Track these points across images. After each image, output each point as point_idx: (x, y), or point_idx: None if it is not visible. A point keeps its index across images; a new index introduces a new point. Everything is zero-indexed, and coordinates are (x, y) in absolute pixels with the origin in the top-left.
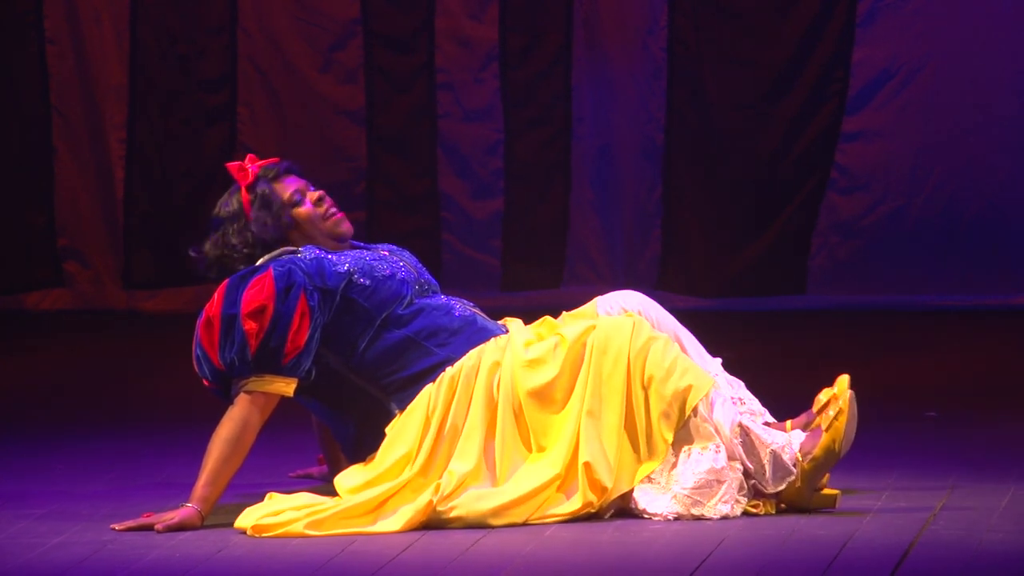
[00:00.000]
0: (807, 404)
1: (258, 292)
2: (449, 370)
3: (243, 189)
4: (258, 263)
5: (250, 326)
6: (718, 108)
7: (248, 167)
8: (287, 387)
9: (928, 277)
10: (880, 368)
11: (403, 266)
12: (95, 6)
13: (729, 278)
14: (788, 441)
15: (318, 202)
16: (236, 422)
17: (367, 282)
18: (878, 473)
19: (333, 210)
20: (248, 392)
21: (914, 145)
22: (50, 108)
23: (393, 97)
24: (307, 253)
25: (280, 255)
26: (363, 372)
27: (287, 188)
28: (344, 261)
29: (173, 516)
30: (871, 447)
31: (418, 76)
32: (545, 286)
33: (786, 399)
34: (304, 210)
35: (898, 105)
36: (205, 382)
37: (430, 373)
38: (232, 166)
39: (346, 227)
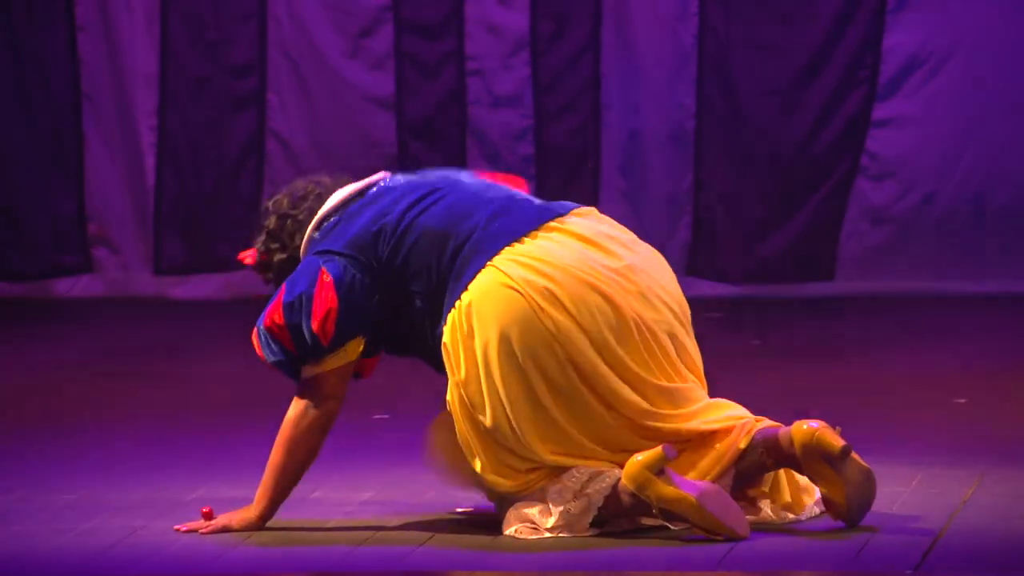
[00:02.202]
0: (829, 393)
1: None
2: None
3: None
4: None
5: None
6: (748, 95)
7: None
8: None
9: (958, 264)
10: (909, 355)
11: None
12: None
13: (758, 265)
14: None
15: None
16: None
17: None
18: (907, 460)
19: None
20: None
21: (944, 132)
22: (80, 95)
23: (422, 84)
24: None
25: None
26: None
27: None
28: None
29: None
30: (900, 434)
31: (447, 63)
32: None
33: (808, 388)
34: None
35: (929, 92)
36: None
37: None
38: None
39: None
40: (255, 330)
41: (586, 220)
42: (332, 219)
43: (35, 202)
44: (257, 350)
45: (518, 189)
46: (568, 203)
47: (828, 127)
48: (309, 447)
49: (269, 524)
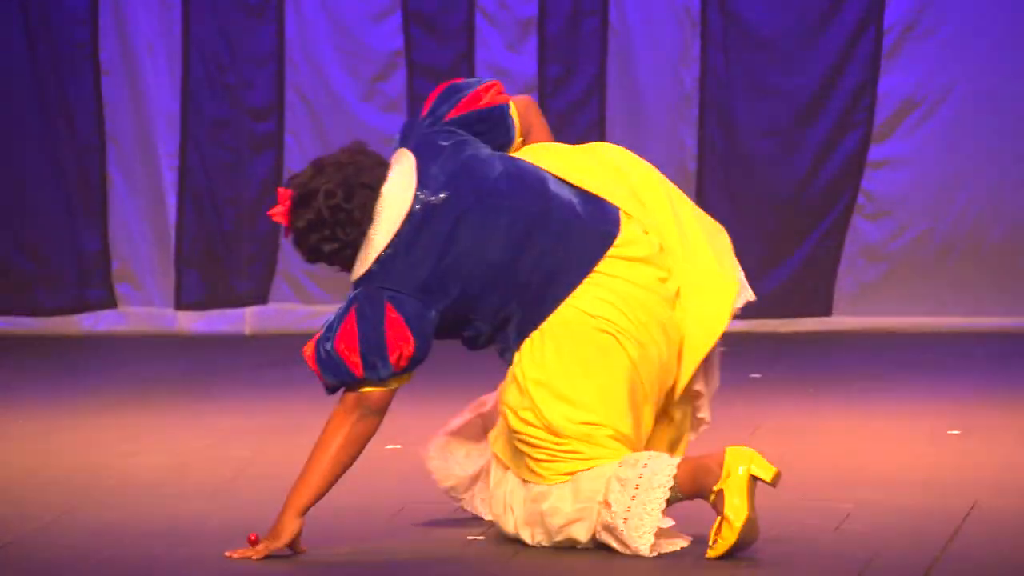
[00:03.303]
0: (826, 423)
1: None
2: None
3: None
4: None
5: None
6: (748, 135)
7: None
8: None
9: (953, 300)
10: (905, 387)
11: None
12: (148, 38)
13: (757, 300)
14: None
15: None
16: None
17: None
18: (902, 487)
19: None
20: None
21: (938, 172)
22: (105, 136)
23: None
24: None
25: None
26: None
27: None
28: None
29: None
30: (896, 462)
31: None
32: None
33: (805, 419)
34: None
35: (923, 134)
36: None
37: None
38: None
39: None
40: (313, 348)
41: (637, 233)
42: (388, 251)
43: (60, 240)
44: (312, 365)
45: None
46: (609, 209)
47: (826, 167)
48: (352, 457)
49: (309, 556)
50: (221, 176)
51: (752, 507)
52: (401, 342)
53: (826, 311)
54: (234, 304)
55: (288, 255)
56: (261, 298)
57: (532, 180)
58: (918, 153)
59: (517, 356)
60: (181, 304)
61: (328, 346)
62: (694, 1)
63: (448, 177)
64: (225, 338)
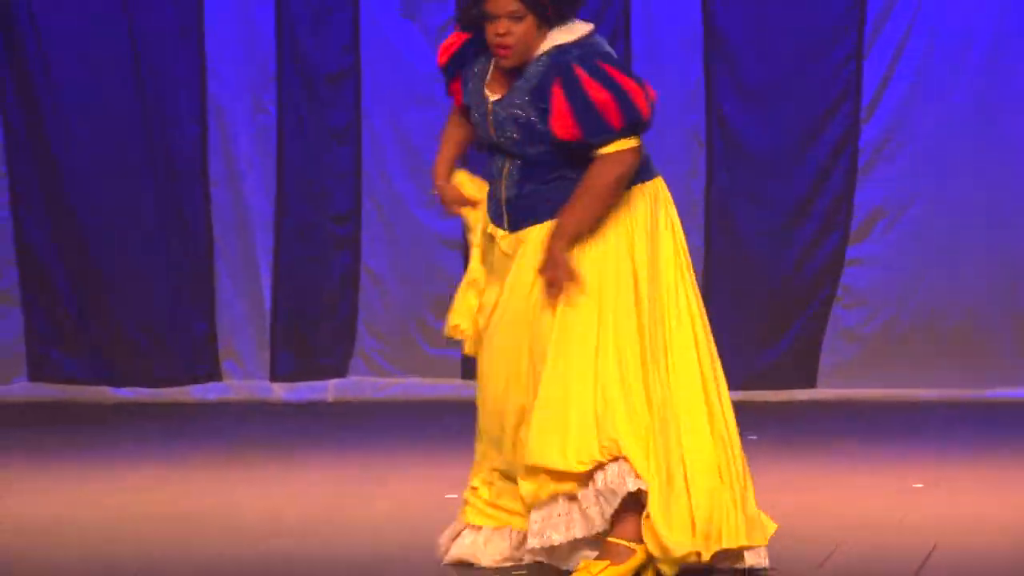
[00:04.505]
0: (811, 475)
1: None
2: None
3: None
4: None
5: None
6: (747, 236)
7: None
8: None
9: (915, 375)
10: (876, 448)
11: None
12: (249, 156)
13: (749, 374)
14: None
15: (492, 35)
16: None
17: None
18: (876, 532)
19: (500, 41)
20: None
21: (904, 269)
22: (212, 235)
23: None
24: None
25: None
26: None
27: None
28: (469, 93)
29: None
30: (868, 512)
31: None
32: None
33: (792, 475)
34: (487, 28)
35: (891, 237)
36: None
37: None
38: None
39: (503, 62)
40: (607, 96)
41: None
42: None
43: (175, 322)
44: (612, 111)
45: None
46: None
47: (811, 263)
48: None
49: None
50: (308, 270)
51: None
52: (636, 83)
53: (811, 384)
54: (319, 376)
55: (363, 335)
56: (341, 371)
57: None
58: (887, 253)
59: None
60: (275, 376)
61: (623, 89)
62: (701, 126)
63: None
64: (311, 405)
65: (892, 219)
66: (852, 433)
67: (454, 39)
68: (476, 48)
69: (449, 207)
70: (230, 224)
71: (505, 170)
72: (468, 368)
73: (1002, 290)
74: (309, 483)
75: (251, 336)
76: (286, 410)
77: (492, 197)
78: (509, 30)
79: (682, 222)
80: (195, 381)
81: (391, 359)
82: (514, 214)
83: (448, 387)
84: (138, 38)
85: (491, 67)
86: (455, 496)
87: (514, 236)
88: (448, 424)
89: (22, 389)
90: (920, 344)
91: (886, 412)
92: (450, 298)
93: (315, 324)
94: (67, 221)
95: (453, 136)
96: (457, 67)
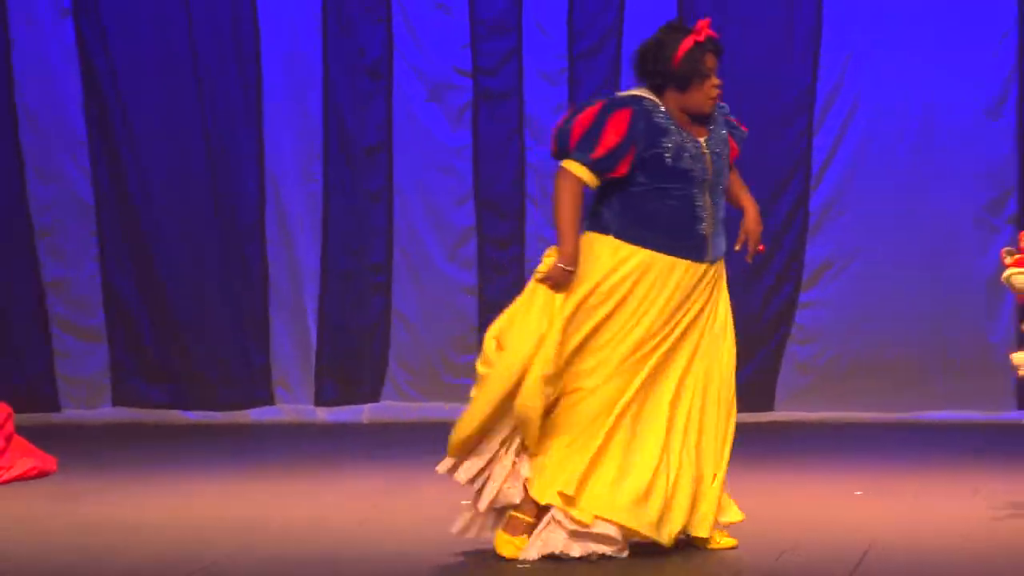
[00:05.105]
0: (767, 490)
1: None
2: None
3: (688, 39)
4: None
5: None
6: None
7: (704, 30)
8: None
9: (859, 401)
10: (825, 462)
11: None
12: (301, 216)
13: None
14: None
15: (712, 88)
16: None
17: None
18: (823, 532)
19: (718, 94)
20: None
21: (849, 311)
22: (268, 285)
23: (496, 277)
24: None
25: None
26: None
27: (708, 60)
28: (670, 142)
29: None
30: (817, 516)
31: (513, 263)
32: None
33: (752, 483)
34: (708, 83)
35: (837, 284)
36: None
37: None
38: (701, 23)
39: (711, 107)
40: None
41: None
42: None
43: (236, 356)
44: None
45: None
46: None
47: (770, 306)
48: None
49: None
50: (348, 312)
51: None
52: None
53: (770, 407)
54: (356, 401)
55: (393, 367)
56: (375, 397)
57: None
58: (833, 299)
59: None
60: (319, 402)
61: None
62: None
63: None
64: (349, 425)
65: (837, 270)
66: (804, 449)
67: (623, 118)
68: (641, 111)
69: (566, 286)
70: (283, 274)
71: (708, 203)
72: None
73: (930, 331)
74: (346, 493)
75: (300, 368)
76: (328, 430)
77: (684, 232)
78: (720, 83)
79: None
80: (252, 405)
81: (416, 387)
82: (716, 245)
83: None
84: (208, 115)
85: (670, 116)
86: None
87: (714, 267)
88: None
89: (107, 413)
90: (863, 376)
91: (832, 431)
92: (466, 336)
93: (353, 358)
94: (147, 270)
95: (578, 216)
96: (631, 141)
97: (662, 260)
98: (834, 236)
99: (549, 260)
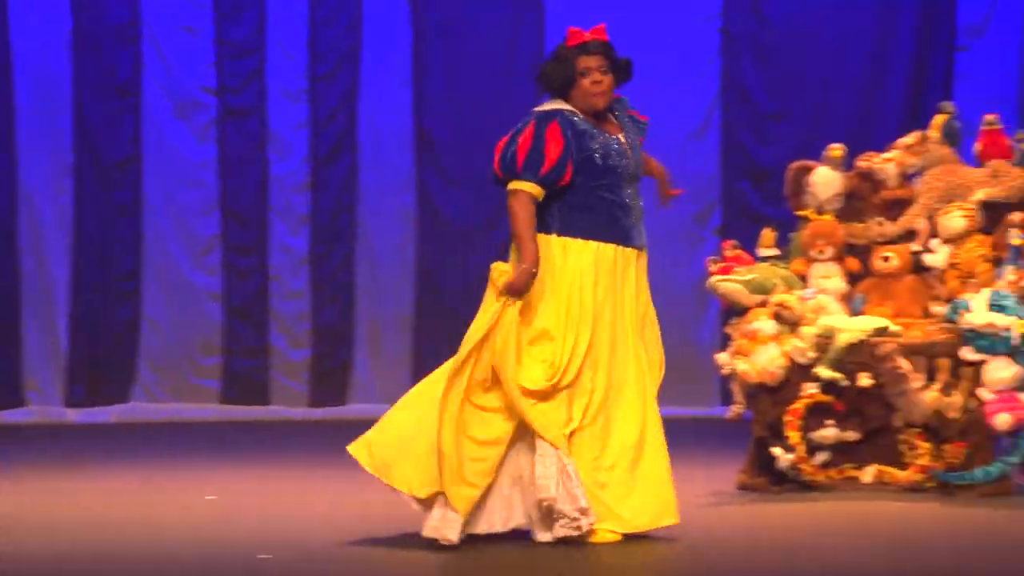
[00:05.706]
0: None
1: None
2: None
3: (558, 47)
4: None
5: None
6: None
7: (577, 35)
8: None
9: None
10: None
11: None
12: (53, 227)
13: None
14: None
15: (590, 84)
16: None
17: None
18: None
19: (599, 90)
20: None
21: None
22: (20, 293)
23: (239, 283)
24: (578, 123)
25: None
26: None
27: (581, 62)
28: (596, 143)
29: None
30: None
31: (255, 271)
32: None
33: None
34: (585, 81)
35: None
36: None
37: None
38: (571, 29)
39: (599, 102)
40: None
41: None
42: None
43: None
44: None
45: None
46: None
47: None
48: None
49: None
50: (99, 317)
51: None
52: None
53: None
54: (106, 403)
55: (142, 372)
56: (124, 398)
57: None
58: None
59: None
60: (70, 403)
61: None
62: None
63: None
64: (99, 426)
65: None
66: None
67: (556, 129)
68: (565, 120)
69: (526, 293)
70: (35, 283)
71: (632, 194)
72: (226, 395)
73: None
74: (101, 490)
75: (51, 371)
76: (78, 431)
77: (617, 223)
78: (603, 79)
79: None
80: (2, 407)
81: (165, 388)
82: (641, 232)
83: (208, 411)
84: None
85: (585, 120)
86: (213, 497)
87: (643, 255)
88: (210, 438)
89: None
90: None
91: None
92: (211, 339)
93: (103, 361)
94: None
95: (534, 225)
96: (568, 149)
97: (603, 248)
98: None
99: (504, 276)
